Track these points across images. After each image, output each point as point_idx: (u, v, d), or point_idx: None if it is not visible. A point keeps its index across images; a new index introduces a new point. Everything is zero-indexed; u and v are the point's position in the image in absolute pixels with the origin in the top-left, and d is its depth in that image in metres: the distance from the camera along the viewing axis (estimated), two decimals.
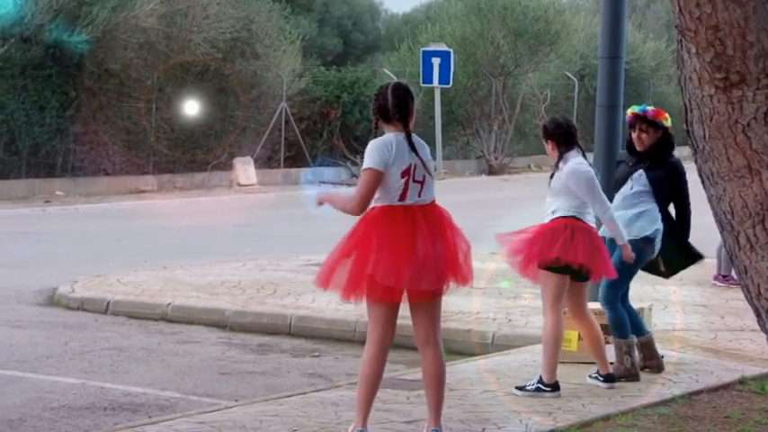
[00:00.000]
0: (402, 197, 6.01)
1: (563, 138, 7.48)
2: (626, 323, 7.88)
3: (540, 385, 7.36)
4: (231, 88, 27.68)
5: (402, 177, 6.00)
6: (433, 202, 6.10)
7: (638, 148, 7.95)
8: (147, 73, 25.61)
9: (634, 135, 7.96)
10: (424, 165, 6.04)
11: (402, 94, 6.08)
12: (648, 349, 8.07)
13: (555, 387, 7.35)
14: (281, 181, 28.43)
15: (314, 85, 30.32)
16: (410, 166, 6.00)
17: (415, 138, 6.10)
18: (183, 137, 26.64)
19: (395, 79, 30.13)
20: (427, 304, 6.05)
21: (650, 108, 7.99)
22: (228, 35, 27.03)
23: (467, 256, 6.08)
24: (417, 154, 6.02)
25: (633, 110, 8.02)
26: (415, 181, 6.02)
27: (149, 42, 25.46)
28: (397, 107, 6.03)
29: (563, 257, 7.26)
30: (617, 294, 7.87)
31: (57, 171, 24.82)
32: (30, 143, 24.22)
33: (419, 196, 6.03)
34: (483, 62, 33.37)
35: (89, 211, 21.31)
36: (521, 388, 7.42)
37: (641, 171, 7.90)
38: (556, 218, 7.38)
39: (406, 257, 5.89)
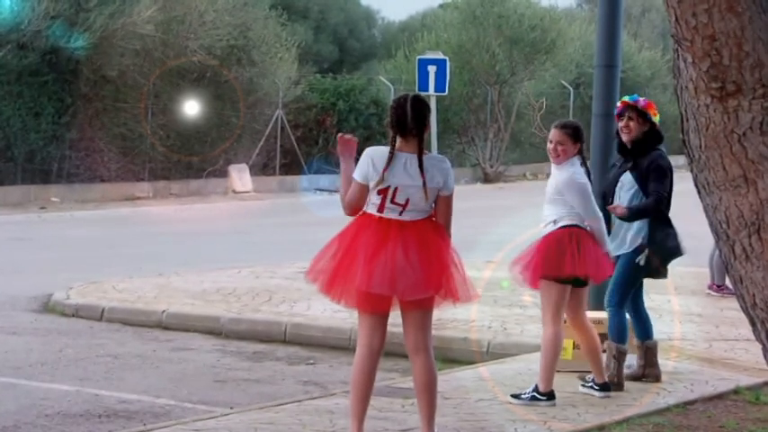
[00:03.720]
0: (380, 210, 6.00)
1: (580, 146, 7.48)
2: (626, 330, 7.90)
3: (535, 394, 7.36)
4: (227, 95, 27.72)
5: (378, 195, 5.98)
6: (422, 220, 5.98)
7: (625, 138, 7.86)
8: (144, 80, 25.63)
9: (621, 124, 7.88)
10: (410, 188, 5.91)
11: (421, 108, 6.01)
12: (652, 356, 8.07)
13: (550, 396, 7.35)
14: (277, 188, 28.45)
15: (310, 93, 30.36)
16: (388, 187, 5.93)
17: (424, 159, 5.96)
18: (178, 143, 26.67)
19: (391, 87, 30.21)
20: (417, 312, 6.03)
21: (642, 99, 7.98)
22: (225, 42, 27.07)
23: (452, 272, 5.98)
24: (403, 176, 5.91)
25: (624, 99, 8.00)
26: (394, 203, 5.95)
27: (146, 49, 25.48)
28: (415, 120, 5.95)
29: (575, 272, 7.25)
30: (623, 298, 7.87)
31: (52, 177, 24.82)
32: (25, 149, 24.22)
33: (399, 215, 5.96)
34: (479, 70, 33.41)
35: (84, 217, 21.29)
36: (516, 396, 7.42)
37: (627, 174, 7.86)
38: (559, 228, 7.34)
39: (368, 263, 5.87)
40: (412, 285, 5.90)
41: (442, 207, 6.03)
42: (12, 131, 23.96)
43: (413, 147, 5.98)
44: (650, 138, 7.86)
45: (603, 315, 8.34)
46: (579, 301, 7.51)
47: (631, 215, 7.72)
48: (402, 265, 5.87)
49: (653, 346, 8.09)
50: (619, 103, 8.04)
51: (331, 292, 6.08)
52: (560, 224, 7.32)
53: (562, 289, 7.30)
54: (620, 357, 7.86)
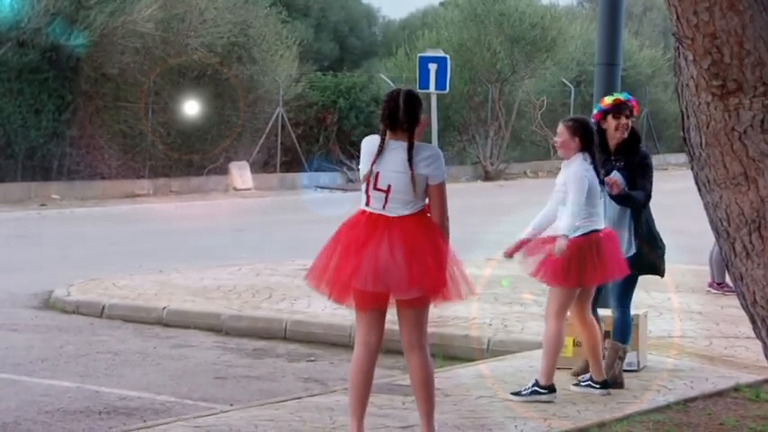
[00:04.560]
0: (367, 202, 6.01)
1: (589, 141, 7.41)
2: (630, 330, 7.91)
3: (536, 388, 7.33)
4: (228, 93, 27.71)
5: (364, 182, 6.01)
6: (410, 216, 5.94)
7: (621, 136, 7.80)
8: (144, 77, 25.63)
9: (619, 122, 7.79)
10: (393, 174, 5.91)
11: (414, 103, 6.00)
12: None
13: (551, 389, 7.33)
14: (277, 185, 28.45)
15: (310, 90, 30.36)
16: (370, 173, 5.95)
17: (415, 146, 5.94)
18: (179, 141, 26.67)
19: (392, 85, 30.33)
20: (410, 310, 6.01)
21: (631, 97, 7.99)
22: (226, 40, 27.06)
23: (438, 270, 5.90)
24: (387, 162, 5.93)
25: (618, 96, 7.94)
26: (377, 189, 5.95)
27: (146, 47, 25.48)
28: (406, 115, 5.96)
29: (593, 282, 7.30)
30: (629, 298, 7.89)
31: (53, 175, 24.82)
32: (26, 146, 24.22)
33: (383, 208, 5.94)
34: (479, 68, 33.41)
35: (85, 214, 21.30)
36: (517, 393, 7.41)
37: (616, 172, 7.79)
38: (578, 236, 7.24)
39: (354, 259, 5.88)
40: (396, 283, 5.88)
41: (432, 197, 5.97)
42: (12, 128, 23.95)
43: (402, 138, 5.98)
44: (637, 136, 7.90)
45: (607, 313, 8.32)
46: (587, 297, 7.48)
47: (623, 197, 7.69)
48: (386, 262, 5.84)
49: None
50: (608, 101, 7.94)
51: (322, 289, 6.10)
52: (579, 232, 7.27)
53: (573, 292, 7.31)
54: (623, 356, 7.87)
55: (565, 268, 7.25)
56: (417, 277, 5.87)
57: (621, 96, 7.92)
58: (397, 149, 5.95)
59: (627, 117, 7.84)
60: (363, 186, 6.03)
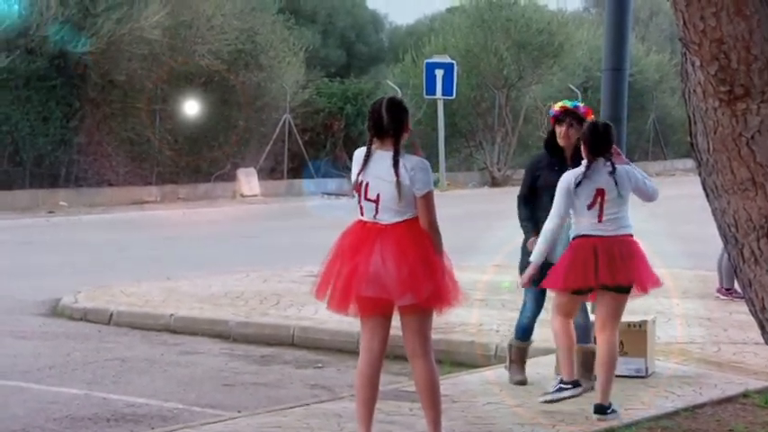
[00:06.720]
0: (361, 212, 6.05)
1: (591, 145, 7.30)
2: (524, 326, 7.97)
3: (560, 385, 7.26)
4: (235, 99, 27.76)
5: (356, 193, 6.06)
6: (401, 223, 5.94)
7: (562, 143, 7.74)
8: (151, 84, 25.69)
9: (561, 129, 7.74)
10: (381, 183, 5.93)
11: (397, 110, 6.05)
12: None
13: (575, 384, 7.25)
14: (285, 192, 28.48)
15: (317, 97, 30.39)
16: (360, 183, 6.00)
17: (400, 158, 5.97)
18: (186, 147, 26.72)
19: (398, 91, 30.29)
20: (411, 317, 6.00)
21: (582, 105, 7.92)
22: (233, 46, 27.12)
23: (425, 277, 5.88)
24: (374, 171, 5.96)
25: (564, 104, 7.92)
26: (367, 199, 5.99)
27: (153, 54, 25.54)
28: (391, 123, 6.00)
29: (552, 286, 7.26)
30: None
31: (60, 182, 24.88)
32: (34, 154, 24.28)
33: (374, 217, 5.99)
34: (486, 74, 33.42)
35: (92, 221, 21.33)
36: (546, 401, 7.35)
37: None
38: (572, 239, 7.25)
39: (347, 266, 5.91)
40: (389, 289, 5.88)
41: (419, 209, 5.98)
42: (20, 136, 24.01)
43: (389, 146, 6.02)
44: None
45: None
46: (611, 307, 7.17)
47: None
48: (377, 268, 5.87)
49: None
50: (557, 107, 7.93)
51: (323, 300, 6.13)
52: (572, 234, 7.29)
53: (563, 295, 7.25)
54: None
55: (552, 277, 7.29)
56: (409, 283, 5.88)
57: (568, 104, 7.90)
58: (383, 158, 6.00)
59: (570, 125, 7.73)
60: (356, 197, 6.07)
